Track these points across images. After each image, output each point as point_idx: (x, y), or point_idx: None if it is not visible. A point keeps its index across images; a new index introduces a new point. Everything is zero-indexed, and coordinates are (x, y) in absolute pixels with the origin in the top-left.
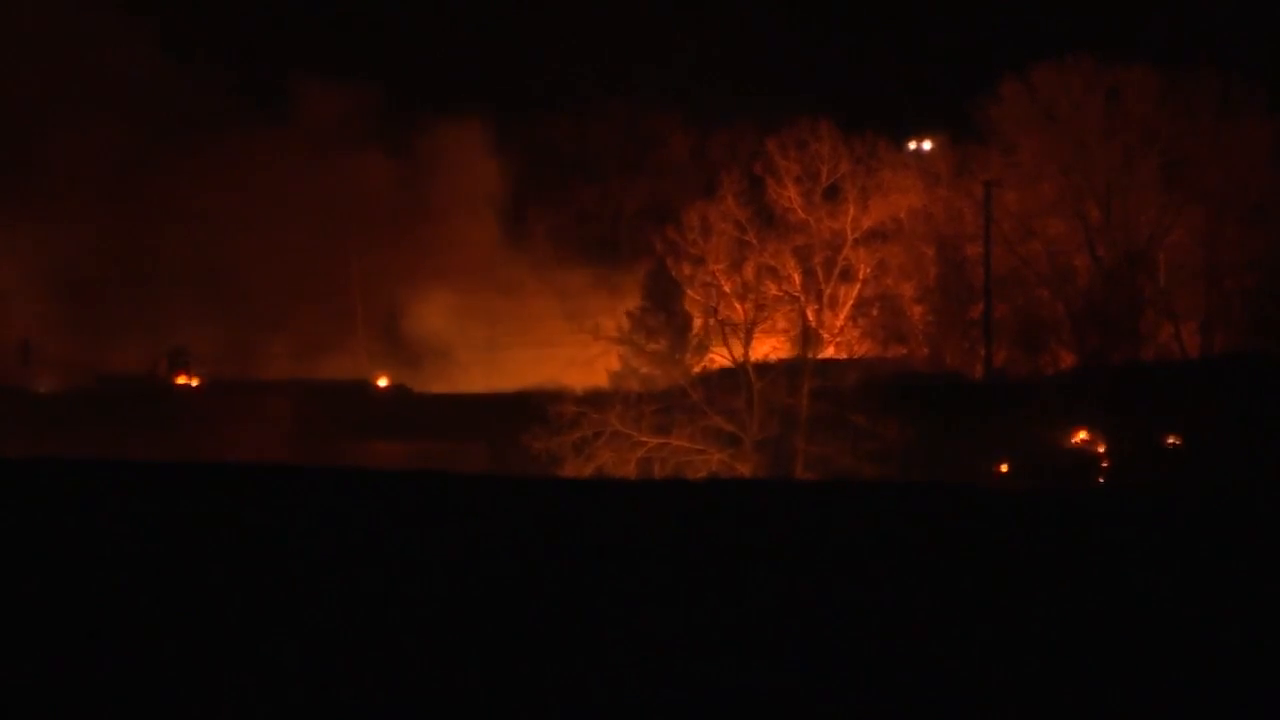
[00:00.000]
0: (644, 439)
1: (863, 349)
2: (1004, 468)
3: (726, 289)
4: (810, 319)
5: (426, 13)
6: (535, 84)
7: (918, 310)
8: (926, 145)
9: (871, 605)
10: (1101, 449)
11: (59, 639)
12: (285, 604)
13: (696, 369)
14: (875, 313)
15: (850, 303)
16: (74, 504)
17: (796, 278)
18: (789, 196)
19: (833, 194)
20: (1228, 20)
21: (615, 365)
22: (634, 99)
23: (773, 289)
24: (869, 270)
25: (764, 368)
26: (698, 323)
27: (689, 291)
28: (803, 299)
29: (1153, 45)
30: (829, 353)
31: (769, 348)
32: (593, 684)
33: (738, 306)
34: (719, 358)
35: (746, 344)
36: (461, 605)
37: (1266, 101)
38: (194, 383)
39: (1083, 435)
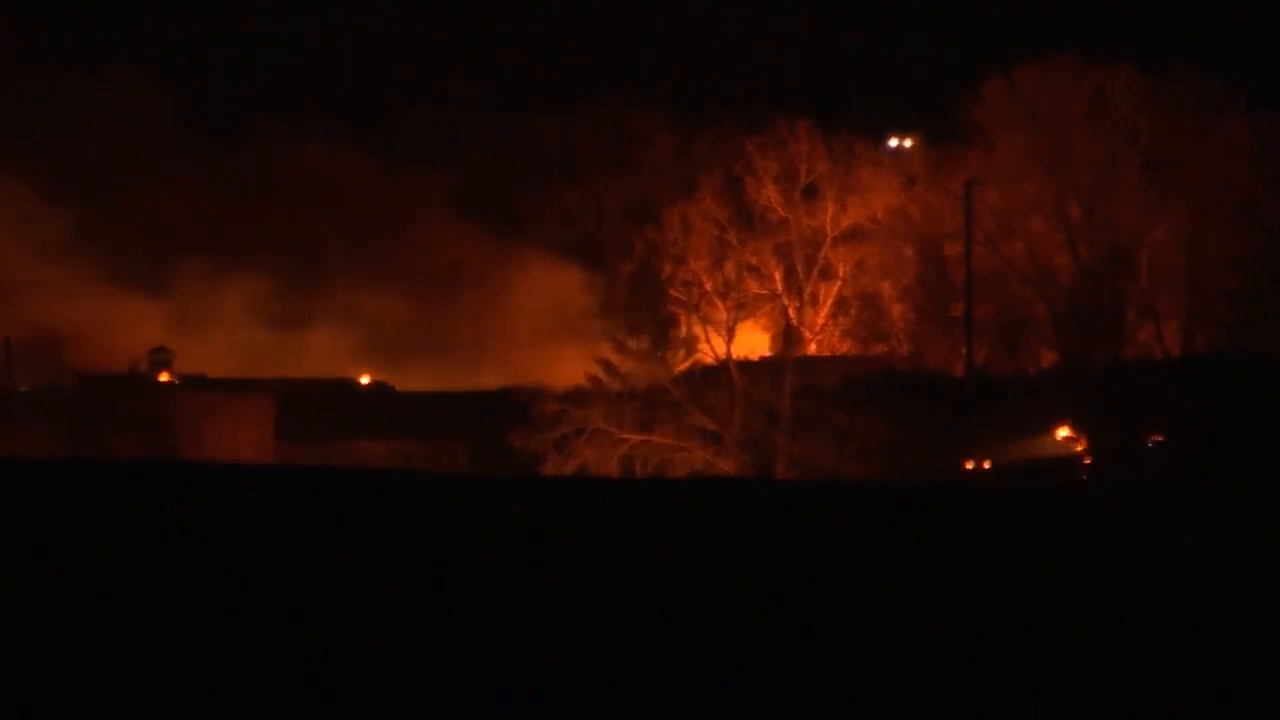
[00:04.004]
0: (626, 437)
1: (844, 347)
2: (986, 465)
3: (708, 287)
4: (791, 317)
5: (418, 11)
6: (522, 83)
7: (898, 309)
8: (907, 143)
9: (853, 605)
10: (1083, 447)
11: (40, 641)
12: (267, 606)
13: (679, 367)
14: (855, 311)
15: (831, 301)
16: (53, 505)
17: (777, 276)
18: (768, 195)
19: (812, 193)
20: (1211, 20)
21: (597, 363)
22: (619, 98)
23: (754, 287)
24: (848, 269)
25: (746, 366)
26: (680, 321)
27: (671, 290)
28: (784, 297)
29: (1136, 45)
30: (811, 351)
31: (750, 346)
32: (581, 686)
33: (719, 305)
34: (701, 356)
35: (728, 342)
36: (445, 607)
37: (1249, 101)
38: (171, 380)
39: (1064, 433)
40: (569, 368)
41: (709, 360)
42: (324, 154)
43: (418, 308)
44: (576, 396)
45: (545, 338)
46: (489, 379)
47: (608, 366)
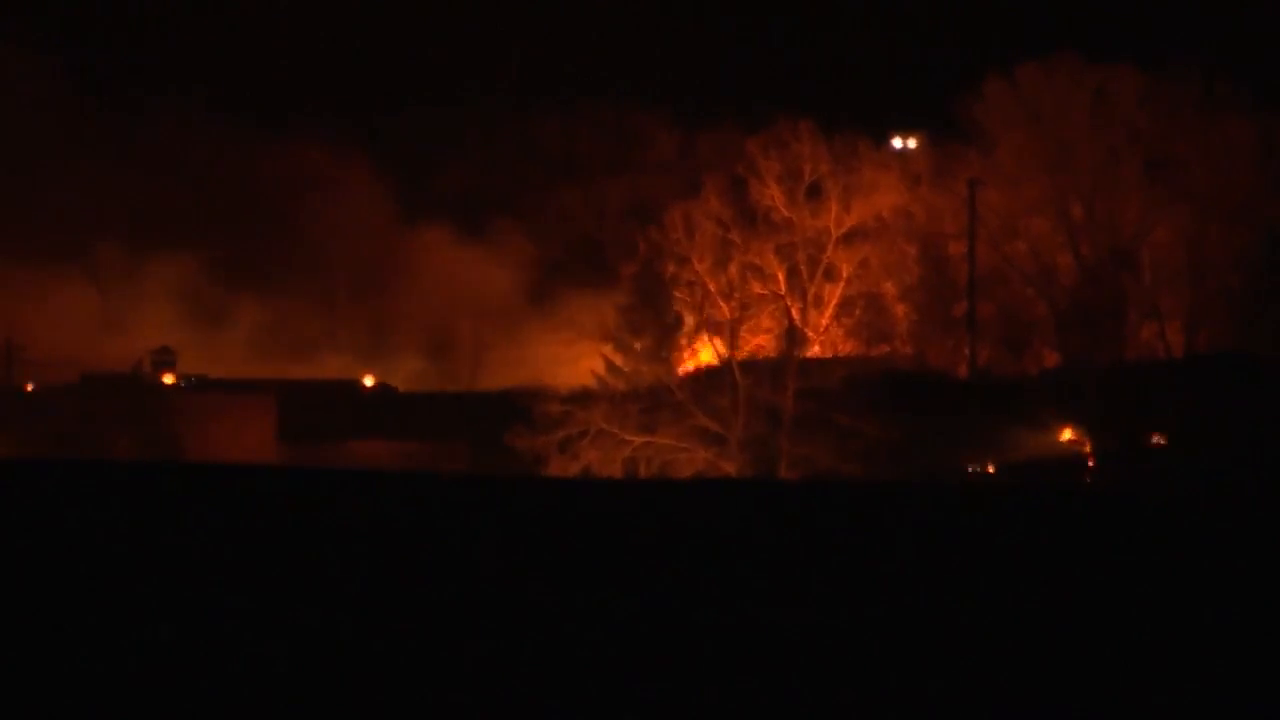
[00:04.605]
0: (629, 438)
1: (847, 348)
2: (989, 467)
3: (711, 288)
4: (795, 318)
5: (416, 10)
6: (522, 82)
7: (901, 309)
8: (911, 144)
9: (855, 603)
10: (1087, 448)
11: (40, 640)
12: (270, 603)
13: (682, 368)
14: (859, 312)
15: (834, 301)
16: (58, 504)
17: (780, 276)
18: (771, 195)
19: (815, 193)
20: (1212, 19)
21: (601, 364)
22: (621, 98)
23: (757, 288)
24: (852, 269)
25: (749, 366)
26: (683, 321)
27: (674, 291)
28: (787, 298)
29: (1137, 44)
30: (814, 351)
31: (754, 346)
32: (584, 683)
33: (722, 305)
34: (705, 356)
35: (732, 343)
36: (447, 605)
37: (1251, 101)
38: (177, 381)
39: (1068, 434)
40: (572, 369)
41: (712, 361)
42: (305, 155)
43: (319, 306)
44: (580, 398)
45: (548, 338)
46: (492, 380)
47: (612, 367)
